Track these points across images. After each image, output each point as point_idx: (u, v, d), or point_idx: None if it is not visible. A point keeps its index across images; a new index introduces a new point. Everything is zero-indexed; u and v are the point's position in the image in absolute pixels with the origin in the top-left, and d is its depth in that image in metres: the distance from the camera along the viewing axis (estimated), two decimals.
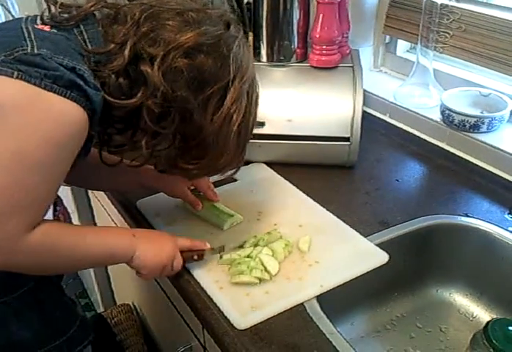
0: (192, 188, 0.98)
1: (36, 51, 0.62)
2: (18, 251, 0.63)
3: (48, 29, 0.68)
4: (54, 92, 0.60)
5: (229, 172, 0.86)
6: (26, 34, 0.65)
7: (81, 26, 0.70)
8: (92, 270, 1.70)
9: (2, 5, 1.43)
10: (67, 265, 0.73)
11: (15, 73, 0.59)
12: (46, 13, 0.71)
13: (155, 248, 0.80)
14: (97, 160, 0.82)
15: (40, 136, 0.60)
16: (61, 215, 0.89)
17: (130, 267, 0.79)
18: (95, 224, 1.61)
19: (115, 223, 1.24)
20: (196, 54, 0.70)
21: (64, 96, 0.61)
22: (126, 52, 0.68)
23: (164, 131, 0.72)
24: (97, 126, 0.70)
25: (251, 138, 0.82)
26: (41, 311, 0.83)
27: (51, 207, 0.86)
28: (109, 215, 1.29)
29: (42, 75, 0.60)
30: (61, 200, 0.87)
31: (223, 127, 0.74)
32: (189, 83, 0.70)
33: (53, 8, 0.72)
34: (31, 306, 0.81)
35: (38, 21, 0.69)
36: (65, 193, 1.56)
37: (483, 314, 1.00)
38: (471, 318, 1.00)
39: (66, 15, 0.70)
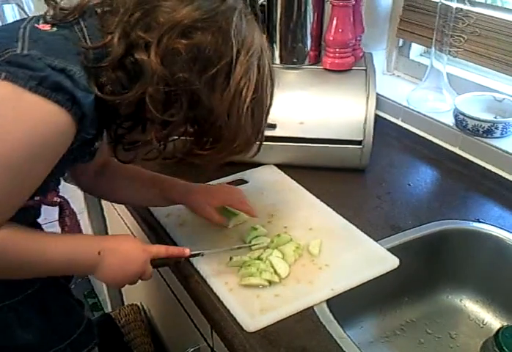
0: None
1: (25, 52, 0.62)
2: None
3: (49, 28, 0.67)
4: (38, 94, 0.59)
5: (250, 154, 0.81)
6: (21, 35, 0.64)
7: (81, 22, 0.68)
8: None
9: (18, 5, 1.44)
10: (23, 271, 0.71)
11: (3, 74, 0.59)
12: (49, 12, 0.70)
13: (121, 264, 0.76)
14: (123, 173, 0.81)
15: (16, 137, 0.60)
16: (68, 218, 0.88)
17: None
18: (105, 225, 1.62)
19: (125, 223, 1.24)
20: (192, 32, 0.66)
21: (49, 98, 0.60)
22: (117, 42, 0.65)
23: (173, 119, 0.70)
24: (93, 129, 0.68)
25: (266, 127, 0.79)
26: (45, 314, 0.82)
27: (57, 210, 0.86)
28: (119, 215, 1.29)
29: (28, 77, 0.59)
30: (68, 203, 0.86)
31: (233, 106, 0.70)
32: (190, 64, 0.67)
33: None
34: (36, 310, 0.81)
35: (41, 20, 0.69)
36: (75, 192, 1.56)
37: (493, 321, 0.99)
38: (481, 325, 0.99)
39: (66, 12, 0.69)
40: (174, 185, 0.93)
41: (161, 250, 0.80)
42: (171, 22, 0.65)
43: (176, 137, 0.74)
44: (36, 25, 0.67)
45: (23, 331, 0.78)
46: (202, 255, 0.85)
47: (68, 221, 0.88)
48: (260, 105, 0.74)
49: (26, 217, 0.80)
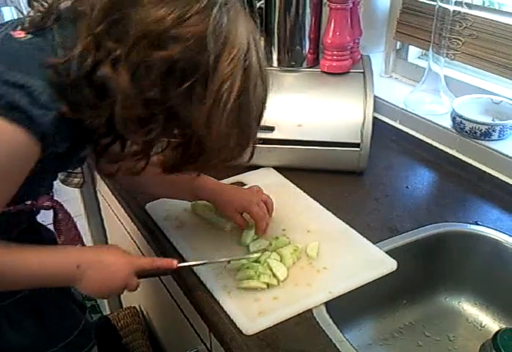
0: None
1: None
2: None
3: (24, 35, 0.64)
4: None
5: (243, 160, 0.76)
6: None
7: (54, 29, 0.64)
8: None
9: (16, 8, 1.43)
10: (4, 284, 0.70)
11: None
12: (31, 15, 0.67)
13: (103, 277, 0.74)
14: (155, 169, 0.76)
15: None
16: (63, 222, 0.87)
17: None
18: (104, 228, 1.61)
19: (124, 226, 1.24)
20: (163, 43, 0.60)
21: (5, 117, 0.58)
22: (83, 56, 0.60)
23: (150, 137, 0.65)
24: (65, 142, 0.66)
25: (260, 141, 0.75)
26: (39, 317, 0.82)
27: (51, 215, 0.86)
28: (118, 218, 1.29)
29: None
30: (62, 206, 0.86)
31: (212, 115, 0.64)
32: (164, 80, 0.61)
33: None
34: (28, 312, 0.81)
35: (19, 26, 0.65)
36: (74, 195, 1.56)
37: (491, 324, 0.99)
38: (479, 327, 0.99)
39: (40, 16, 0.65)
40: (205, 184, 0.91)
41: (146, 262, 0.78)
42: (140, 32, 0.59)
43: (158, 152, 0.71)
44: (12, 32, 0.65)
45: (16, 334, 0.78)
46: (190, 267, 0.84)
47: (63, 225, 0.87)
48: (247, 110, 0.67)
49: (20, 221, 0.81)
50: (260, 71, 0.67)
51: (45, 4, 0.66)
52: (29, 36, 0.64)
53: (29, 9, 0.68)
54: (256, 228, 0.91)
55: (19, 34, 0.64)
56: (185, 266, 0.82)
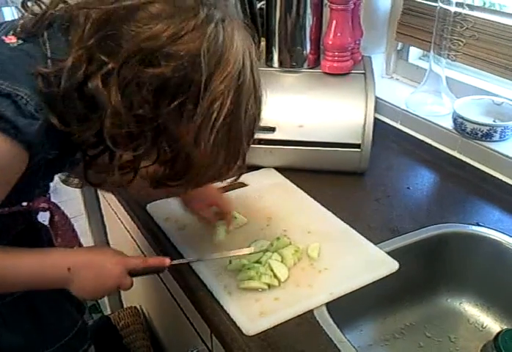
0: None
1: None
2: None
3: (15, 41, 0.63)
4: None
5: (231, 179, 0.77)
6: None
7: (45, 35, 0.63)
8: None
9: (17, 8, 1.43)
10: None
11: None
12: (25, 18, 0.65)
13: (95, 278, 0.74)
14: None
15: None
16: (59, 224, 0.87)
17: None
18: (105, 228, 1.62)
19: (125, 226, 1.24)
20: (156, 60, 0.59)
21: None
22: (74, 67, 0.59)
23: (138, 152, 0.64)
24: (54, 150, 0.65)
25: (259, 142, 0.76)
26: (34, 317, 0.82)
27: (47, 216, 0.86)
28: (118, 217, 1.29)
29: None
30: (59, 208, 0.85)
31: (201, 133, 0.63)
32: (155, 97, 0.61)
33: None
34: (24, 313, 0.81)
35: (11, 31, 0.64)
36: (75, 195, 1.56)
37: (493, 325, 0.99)
38: (481, 328, 0.99)
39: (32, 22, 0.64)
40: None
41: (138, 261, 0.78)
42: (134, 47, 0.59)
43: (144, 166, 0.69)
44: (3, 37, 0.64)
45: (11, 334, 0.78)
46: (183, 264, 0.84)
47: (60, 227, 0.87)
48: (237, 127, 0.66)
49: (16, 222, 0.80)
50: (254, 88, 0.67)
51: (41, 6, 0.65)
52: (20, 41, 0.63)
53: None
54: (226, 221, 0.92)
55: (10, 39, 0.63)
56: (178, 264, 0.83)
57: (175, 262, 0.82)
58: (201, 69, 0.60)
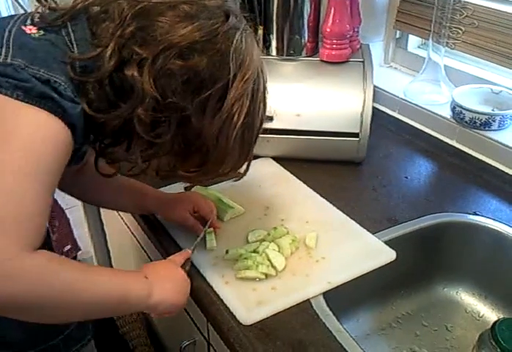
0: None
1: (9, 61, 0.58)
2: (11, 275, 0.53)
3: (36, 31, 0.63)
4: (27, 103, 0.57)
5: (234, 177, 0.81)
6: (5, 40, 0.61)
7: (69, 26, 0.65)
8: (96, 262, 1.69)
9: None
10: (67, 305, 0.60)
11: None
12: (40, 10, 0.66)
13: (171, 284, 0.74)
14: (99, 177, 0.76)
15: (18, 146, 0.56)
16: (57, 220, 0.86)
17: (147, 311, 0.74)
18: (101, 220, 1.60)
19: (124, 222, 1.24)
20: (190, 54, 0.64)
21: (39, 106, 0.57)
22: (109, 56, 0.62)
23: (160, 140, 0.67)
24: (82, 138, 0.64)
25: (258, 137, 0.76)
26: None
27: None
28: (118, 213, 1.28)
29: (13, 86, 0.57)
30: (56, 201, 0.84)
31: (223, 130, 0.68)
32: (184, 87, 0.64)
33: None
34: None
35: (28, 21, 0.65)
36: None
37: (489, 314, 0.99)
38: (478, 317, 0.99)
39: (56, 14, 0.65)
40: (145, 195, 0.91)
41: (179, 257, 0.82)
42: (169, 41, 0.62)
43: (160, 156, 0.71)
44: (23, 27, 0.64)
45: (10, 327, 0.77)
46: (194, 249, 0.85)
47: (56, 222, 0.86)
48: (251, 129, 0.72)
49: None
50: (263, 96, 0.73)
51: (55, 1, 0.67)
52: (42, 32, 0.64)
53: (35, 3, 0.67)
54: (210, 222, 0.90)
55: (30, 29, 0.64)
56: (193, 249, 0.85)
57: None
58: (228, 68, 0.66)
